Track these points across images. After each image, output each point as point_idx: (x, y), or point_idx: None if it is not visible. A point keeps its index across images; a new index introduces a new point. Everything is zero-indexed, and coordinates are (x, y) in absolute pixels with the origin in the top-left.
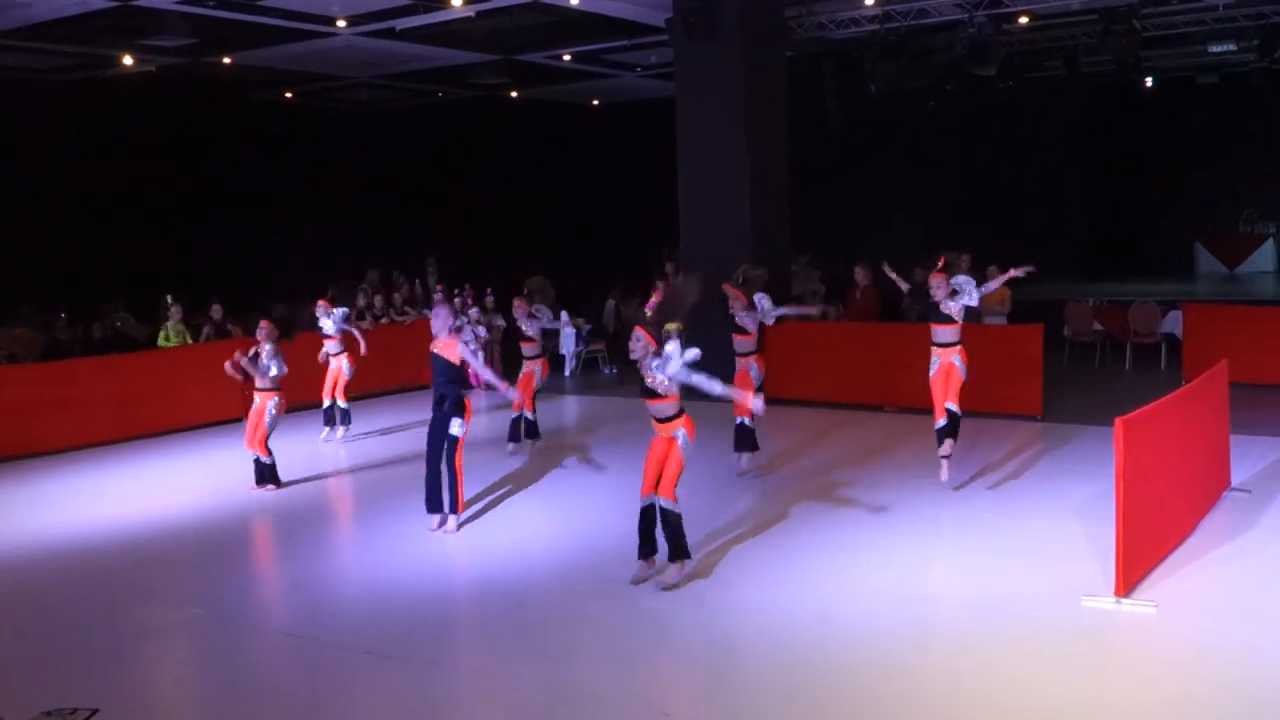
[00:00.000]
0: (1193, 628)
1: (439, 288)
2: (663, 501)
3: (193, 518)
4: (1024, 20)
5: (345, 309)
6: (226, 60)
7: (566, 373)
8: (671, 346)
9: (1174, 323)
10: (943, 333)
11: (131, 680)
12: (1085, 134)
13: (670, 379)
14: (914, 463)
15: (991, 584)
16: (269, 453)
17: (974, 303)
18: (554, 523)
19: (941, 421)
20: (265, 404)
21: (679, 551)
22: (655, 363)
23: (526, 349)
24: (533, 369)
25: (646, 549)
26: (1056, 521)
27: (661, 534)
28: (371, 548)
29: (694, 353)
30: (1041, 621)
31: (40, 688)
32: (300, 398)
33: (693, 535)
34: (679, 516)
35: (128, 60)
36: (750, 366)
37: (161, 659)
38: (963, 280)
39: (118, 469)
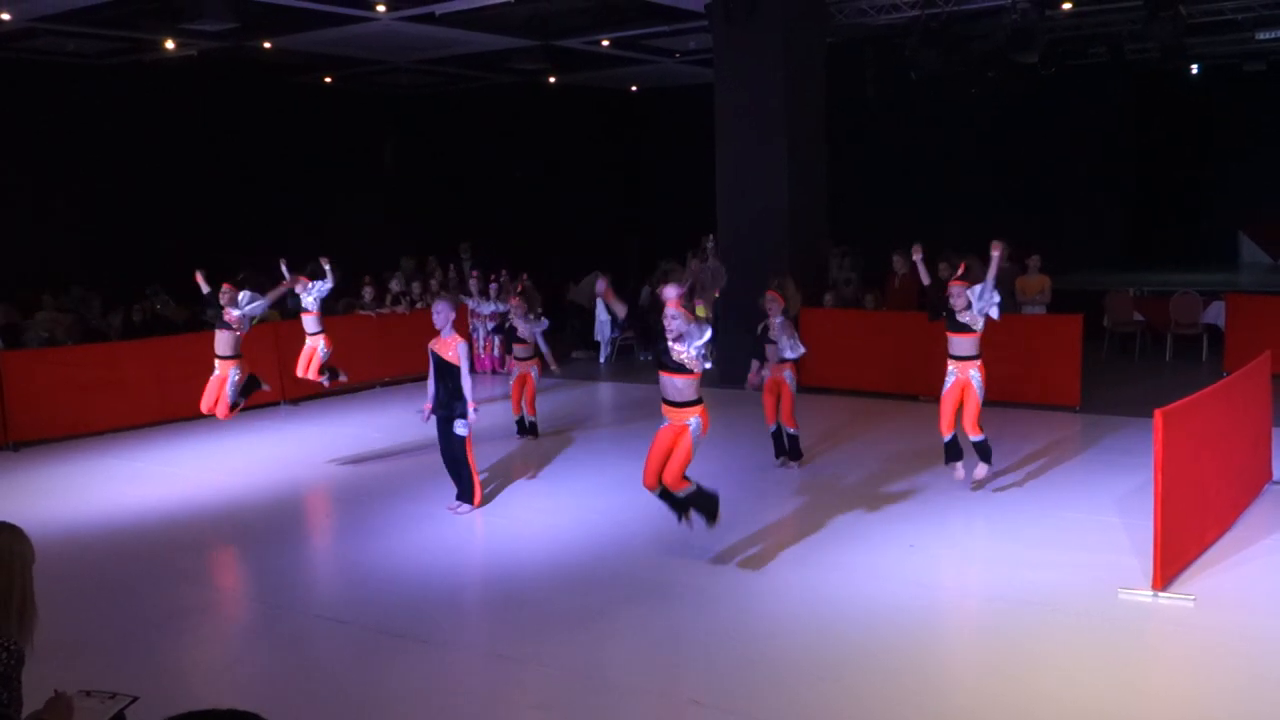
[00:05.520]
0: (1231, 621)
1: (474, 273)
2: (676, 493)
3: (229, 500)
4: (1067, 6)
5: (329, 284)
6: (267, 45)
7: (601, 359)
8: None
9: (1216, 313)
10: (960, 344)
11: (168, 661)
12: (1129, 122)
13: (699, 351)
14: None
15: (1028, 575)
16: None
17: (994, 312)
18: (584, 510)
19: (949, 436)
20: (227, 371)
21: (692, 508)
22: (689, 336)
23: (519, 350)
24: (528, 370)
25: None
26: (1094, 513)
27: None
28: (404, 532)
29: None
30: (1078, 614)
31: (78, 667)
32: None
33: (725, 524)
34: (690, 493)
35: (170, 45)
36: (785, 374)
37: (197, 640)
38: (979, 289)
39: (157, 451)
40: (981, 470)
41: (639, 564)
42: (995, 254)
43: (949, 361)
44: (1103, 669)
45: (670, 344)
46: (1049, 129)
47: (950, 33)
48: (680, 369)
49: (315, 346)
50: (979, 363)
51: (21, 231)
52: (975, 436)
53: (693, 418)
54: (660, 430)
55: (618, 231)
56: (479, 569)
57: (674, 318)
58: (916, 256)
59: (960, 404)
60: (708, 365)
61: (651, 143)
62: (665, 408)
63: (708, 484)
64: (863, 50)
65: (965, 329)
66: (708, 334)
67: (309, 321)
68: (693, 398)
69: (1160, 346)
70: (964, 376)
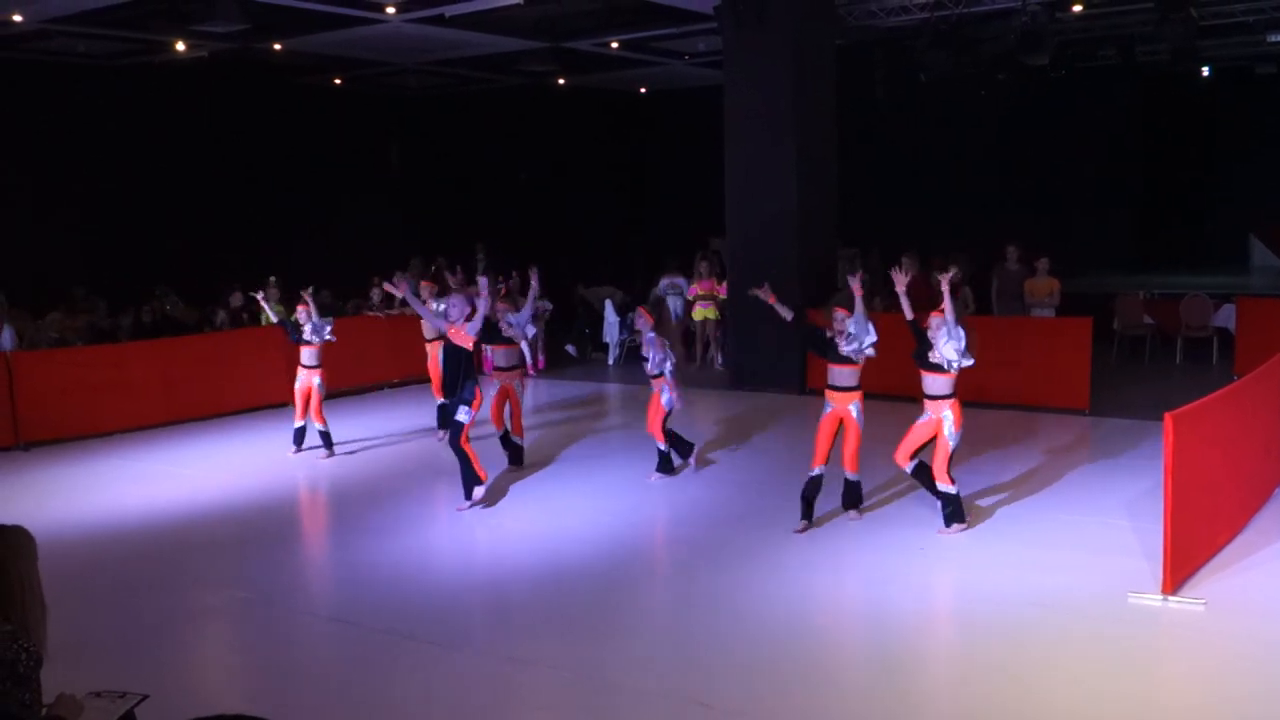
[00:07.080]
0: (1241, 626)
1: (484, 275)
2: (849, 475)
3: (235, 501)
4: (1078, 8)
5: (329, 318)
6: (277, 46)
7: (610, 361)
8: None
9: (1227, 316)
10: (932, 382)
11: (175, 661)
12: (1139, 124)
13: (863, 346)
14: (960, 455)
15: (1038, 579)
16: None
17: (964, 359)
18: (590, 511)
19: (909, 466)
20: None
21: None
22: (852, 332)
23: (500, 357)
24: (511, 384)
25: (808, 511)
26: (1104, 517)
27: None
28: (410, 533)
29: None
30: (1088, 617)
31: (86, 668)
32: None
33: (729, 525)
34: (859, 483)
35: (180, 46)
36: (663, 389)
37: (203, 641)
38: (945, 330)
39: (164, 452)
40: (954, 529)
41: (644, 566)
42: (944, 290)
43: (924, 401)
44: (1112, 673)
45: (839, 342)
46: (1057, 130)
47: (960, 35)
48: (849, 361)
49: (311, 384)
50: (953, 402)
51: (29, 233)
52: (945, 487)
53: (854, 403)
54: (824, 417)
55: (624, 233)
56: (484, 570)
57: (842, 320)
58: (900, 289)
59: (928, 442)
60: (871, 353)
61: (658, 144)
62: (830, 393)
63: (715, 482)
64: (872, 52)
65: (938, 368)
66: (873, 335)
67: (306, 353)
68: (856, 384)
69: (1170, 349)
70: (936, 416)
